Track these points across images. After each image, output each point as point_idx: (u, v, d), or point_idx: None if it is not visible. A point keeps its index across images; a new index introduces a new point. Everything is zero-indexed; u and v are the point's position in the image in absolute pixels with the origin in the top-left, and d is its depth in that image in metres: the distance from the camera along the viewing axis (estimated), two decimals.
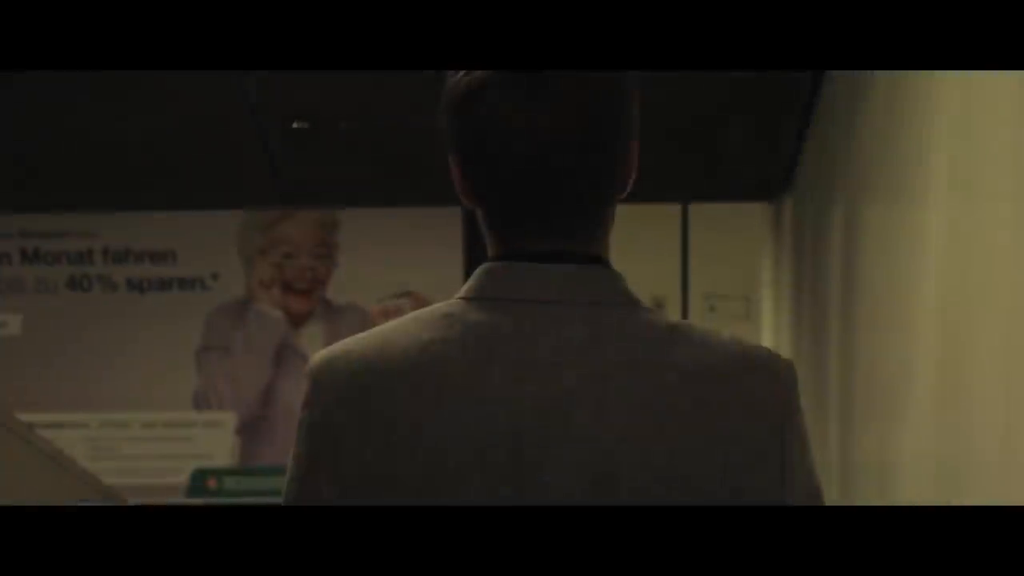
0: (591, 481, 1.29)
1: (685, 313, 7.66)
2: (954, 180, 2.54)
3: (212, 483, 7.84)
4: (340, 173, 6.48)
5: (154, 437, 7.78)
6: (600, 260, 1.37)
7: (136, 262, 7.68)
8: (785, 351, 5.14)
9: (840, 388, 3.87)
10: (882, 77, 3.27)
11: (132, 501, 5.79)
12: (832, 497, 3.91)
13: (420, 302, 7.57)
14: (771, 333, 5.88)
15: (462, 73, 1.35)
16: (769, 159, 5.75)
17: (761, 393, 1.32)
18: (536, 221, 1.35)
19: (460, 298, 1.37)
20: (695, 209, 7.53)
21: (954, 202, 2.54)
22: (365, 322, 7.60)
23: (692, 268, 7.63)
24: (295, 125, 5.52)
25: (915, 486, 2.87)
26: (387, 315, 7.62)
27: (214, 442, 7.79)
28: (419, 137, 4.01)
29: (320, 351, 1.41)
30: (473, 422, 1.29)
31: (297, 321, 7.69)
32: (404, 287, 7.65)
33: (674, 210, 7.43)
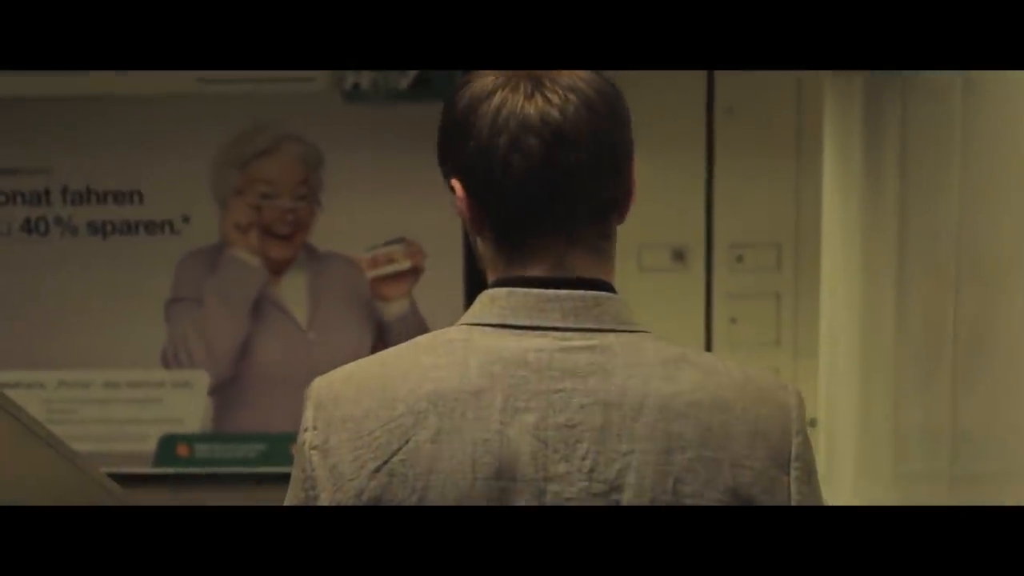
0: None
1: (710, 266, 6.96)
2: None
3: (183, 451, 7.19)
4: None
5: (118, 399, 7.12)
6: (605, 285, 1.39)
7: (98, 203, 6.97)
8: (855, 293, 4.30)
9: (958, 336, 3.09)
10: None
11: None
12: (941, 466, 3.16)
13: (414, 250, 6.96)
14: (837, 265, 4.94)
15: (463, 88, 1.39)
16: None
17: (768, 423, 1.34)
18: (541, 246, 1.38)
19: (463, 323, 1.40)
20: (720, 150, 6.80)
21: None
22: (352, 272, 6.97)
23: (717, 215, 6.93)
24: None
25: None
26: (377, 264, 6.99)
27: (185, 405, 7.13)
28: None
29: (321, 375, 1.42)
30: (472, 451, 1.31)
31: (277, 269, 7.00)
32: (397, 233, 6.96)
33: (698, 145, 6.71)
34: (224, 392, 7.07)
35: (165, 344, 7.02)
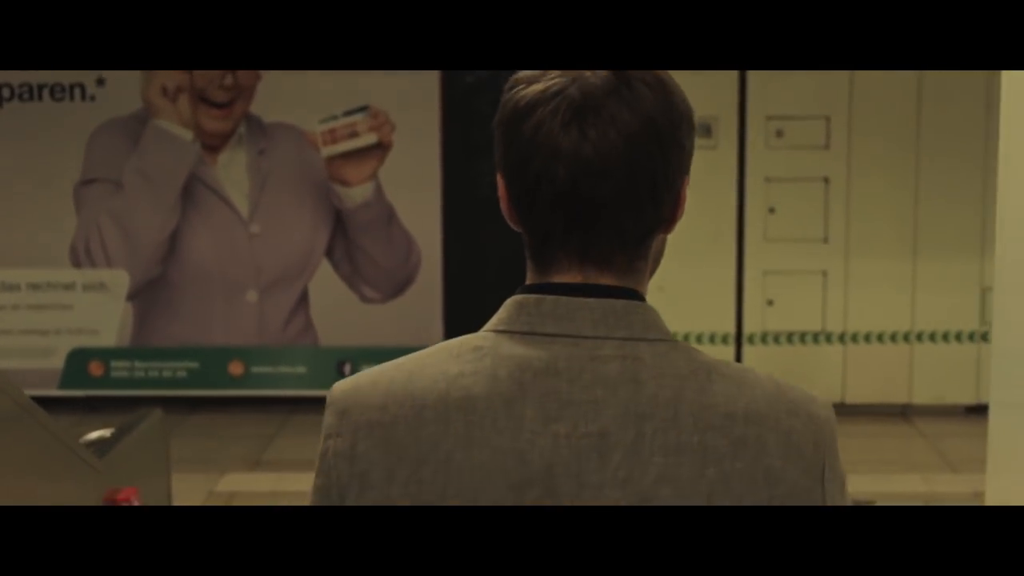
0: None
1: (743, 142, 5.87)
2: None
3: (96, 369, 6.14)
4: None
5: (16, 304, 6.09)
6: (636, 294, 1.42)
7: None
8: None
9: None
10: None
11: None
12: None
13: (380, 122, 5.92)
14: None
15: (516, 87, 1.40)
16: None
17: (800, 436, 1.38)
18: (573, 250, 1.39)
19: (490, 330, 1.41)
20: None
21: None
22: (305, 148, 5.94)
23: (751, 79, 5.89)
24: None
25: None
26: (335, 138, 5.92)
27: (99, 312, 6.09)
28: None
29: (344, 379, 1.44)
30: (503, 461, 1.34)
31: (213, 145, 5.99)
32: (359, 100, 5.94)
33: None
34: (147, 296, 6.06)
35: (75, 237, 6.00)
